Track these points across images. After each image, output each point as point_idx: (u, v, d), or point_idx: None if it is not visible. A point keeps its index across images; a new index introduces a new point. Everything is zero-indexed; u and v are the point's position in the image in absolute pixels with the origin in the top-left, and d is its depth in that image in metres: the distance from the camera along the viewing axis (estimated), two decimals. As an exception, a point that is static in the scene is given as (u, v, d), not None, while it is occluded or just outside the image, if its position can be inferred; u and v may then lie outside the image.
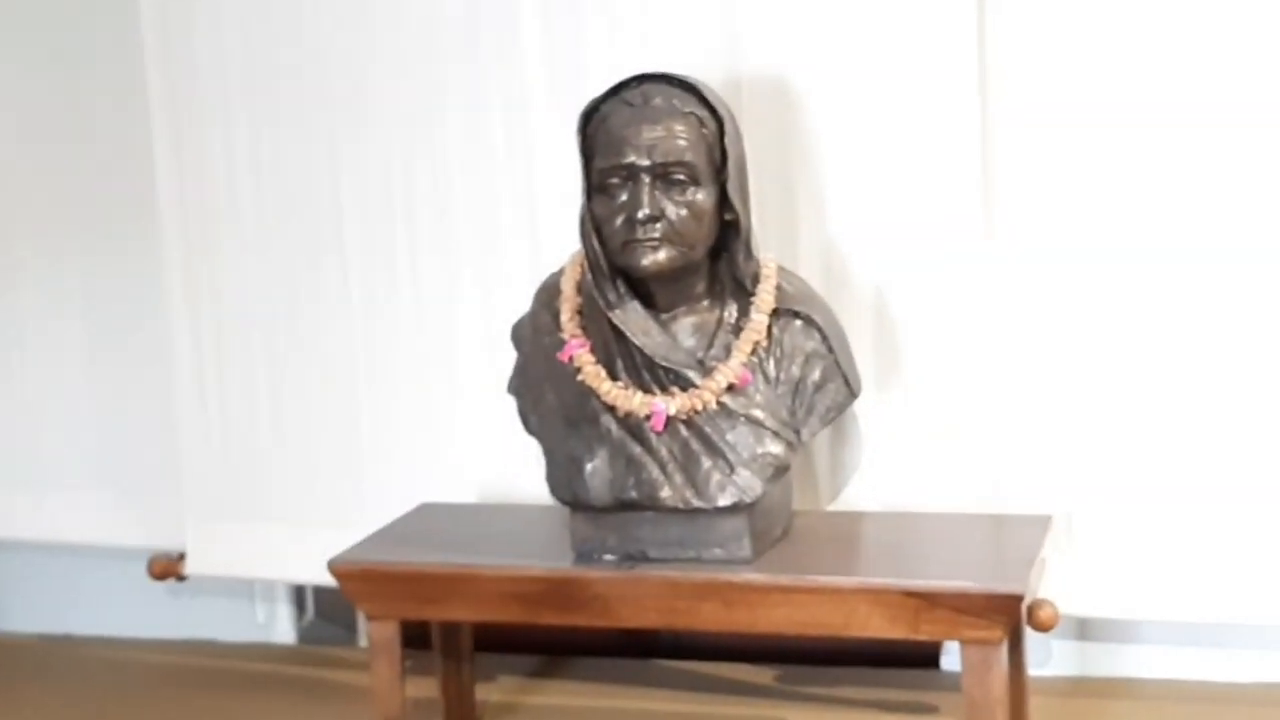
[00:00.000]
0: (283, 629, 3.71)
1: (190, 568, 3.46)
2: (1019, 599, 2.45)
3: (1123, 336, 2.93)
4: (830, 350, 2.69)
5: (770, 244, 2.84)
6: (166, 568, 3.47)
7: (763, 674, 3.27)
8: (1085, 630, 3.12)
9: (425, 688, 2.97)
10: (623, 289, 2.66)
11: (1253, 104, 2.81)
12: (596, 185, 2.63)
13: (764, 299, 2.66)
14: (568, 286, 2.75)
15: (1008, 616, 2.46)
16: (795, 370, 2.67)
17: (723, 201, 2.63)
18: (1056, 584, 2.79)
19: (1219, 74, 2.82)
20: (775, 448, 2.62)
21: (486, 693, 3.21)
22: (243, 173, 3.35)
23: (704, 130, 2.61)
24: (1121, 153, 2.89)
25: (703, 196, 2.60)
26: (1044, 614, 2.70)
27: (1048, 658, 3.11)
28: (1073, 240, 2.94)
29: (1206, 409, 2.90)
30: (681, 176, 2.58)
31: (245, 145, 3.34)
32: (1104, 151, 2.90)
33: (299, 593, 3.71)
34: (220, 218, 3.38)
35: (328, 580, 2.85)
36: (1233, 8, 2.81)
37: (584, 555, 2.67)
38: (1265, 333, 2.86)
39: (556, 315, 2.75)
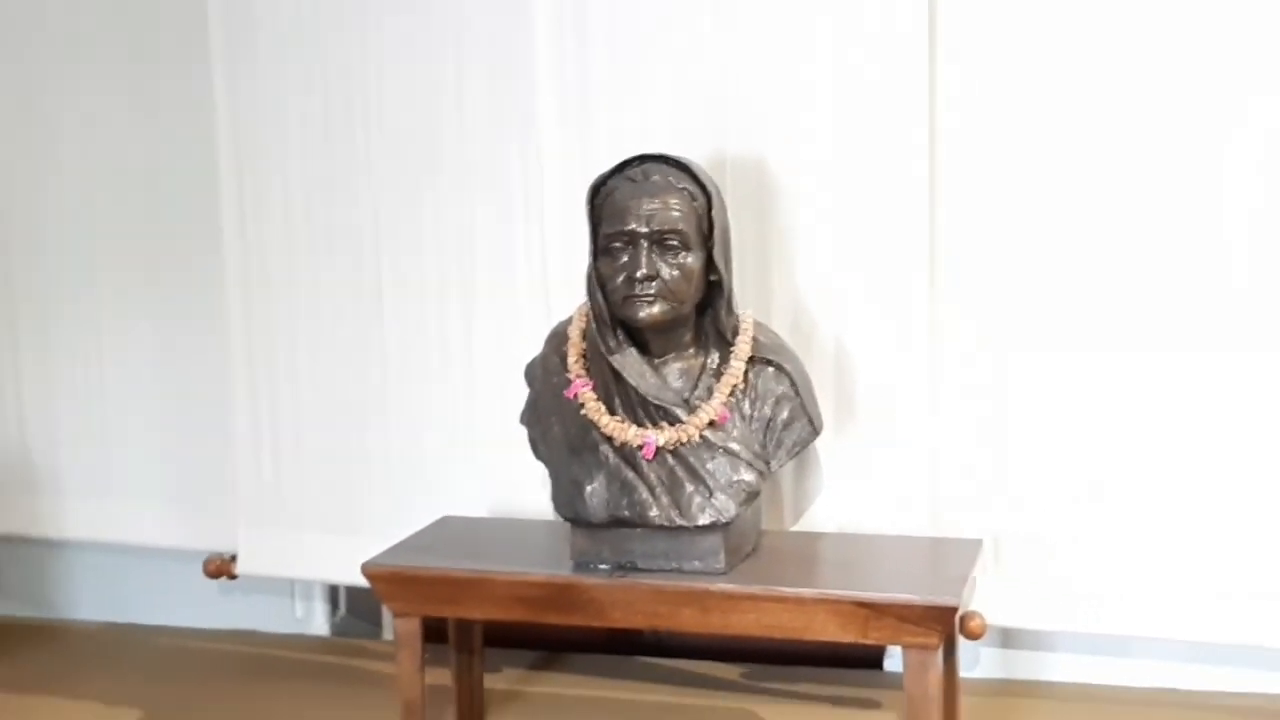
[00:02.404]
0: (318, 623, 3.69)
1: (240, 568, 3.45)
2: (953, 610, 2.47)
3: (1037, 391, 2.95)
4: (797, 394, 2.71)
5: (748, 301, 2.85)
6: (220, 567, 3.48)
7: (731, 671, 3.27)
8: (1008, 639, 3.13)
9: (440, 677, 2.94)
10: (621, 337, 2.67)
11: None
12: (602, 248, 2.64)
13: (742, 348, 2.68)
14: (574, 333, 2.76)
15: (943, 625, 2.48)
16: (767, 410, 2.69)
17: (709, 264, 2.64)
18: (984, 598, 2.80)
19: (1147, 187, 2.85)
20: (748, 476, 2.63)
21: (493, 682, 3.20)
22: (297, 219, 3.34)
23: (694, 203, 2.63)
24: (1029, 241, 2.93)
25: (692, 260, 2.61)
26: (974, 624, 2.72)
27: (976, 662, 3.12)
28: (997, 310, 2.96)
29: (1106, 459, 2.93)
30: (674, 242, 2.59)
31: (300, 194, 3.33)
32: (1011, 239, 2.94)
33: (333, 591, 3.69)
34: (275, 256, 3.37)
35: (359, 581, 2.86)
36: (1169, 113, 2.82)
37: (581, 564, 2.68)
38: (1160, 371, 2.87)
39: (564, 358, 2.76)
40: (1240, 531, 2.86)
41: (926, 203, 2.90)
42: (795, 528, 3.03)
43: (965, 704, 2.83)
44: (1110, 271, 2.89)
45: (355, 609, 3.69)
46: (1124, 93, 2.82)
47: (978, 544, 2.84)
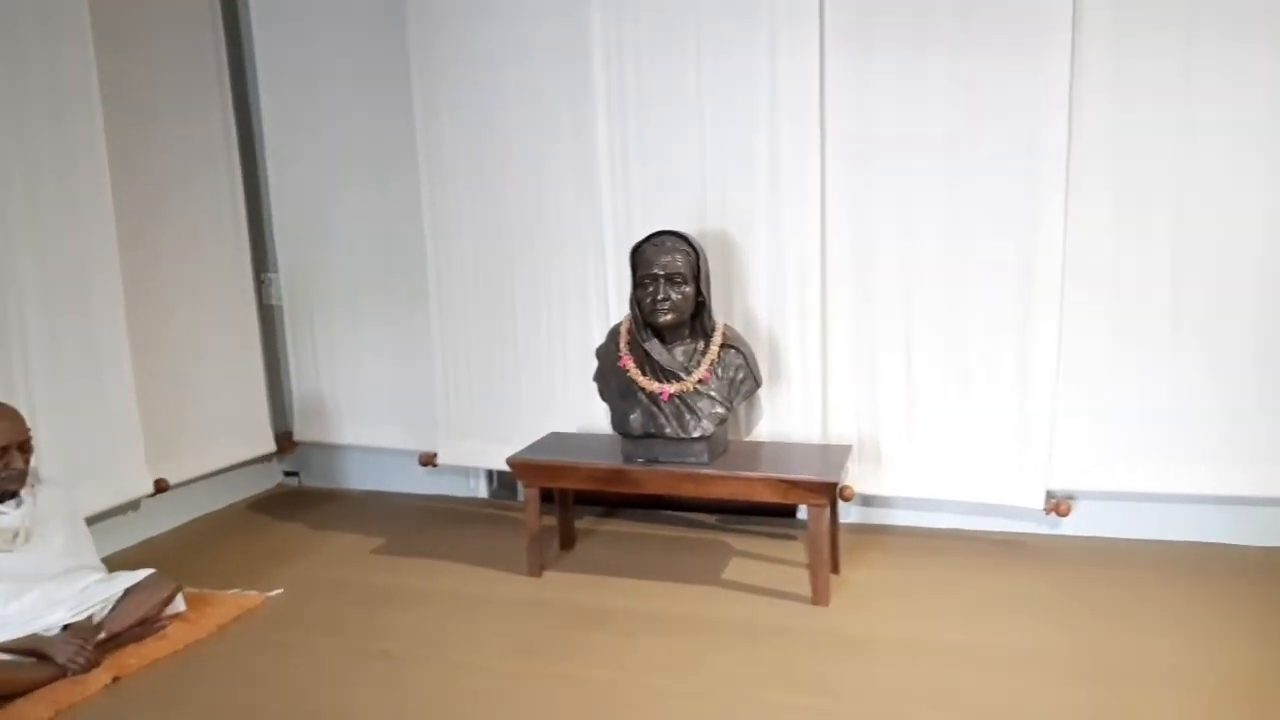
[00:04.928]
0: (481, 491, 3.66)
1: (440, 460, 3.49)
2: (835, 484, 2.56)
3: (883, 357, 2.95)
4: (747, 364, 2.78)
5: (720, 312, 2.91)
6: (427, 459, 3.52)
7: (711, 518, 3.28)
8: (866, 500, 3.12)
9: (549, 521, 2.94)
10: (649, 333, 2.75)
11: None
12: (638, 282, 2.71)
13: (716, 340, 2.75)
14: (623, 330, 2.83)
15: (829, 493, 2.56)
16: (730, 374, 2.75)
17: (698, 291, 2.71)
18: (853, 477, 2.89)
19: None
20: (720, 410, 2.71)
21: (579, 524, 3.22)
22: (467, 261, 3.32)
23: (689, 256, 2.70)
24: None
25: (689, 289, 2.68)
26: (847, 492, 2.82)
27: (848, 513, 3.12)
28: (862, 312, 2.95)
29: (915, 396, 2.94)
30: (679, 279, 2.67)
31: (470, 247, 3.31)
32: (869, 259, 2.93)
33: (490, 473, 3.64)
34: (454, 281, 3.36)
35: (504, 468, 2.91)
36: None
37: (628, 459, 2.73)
38: (975, 312, 2.83)
39: (617, 344, 2.82)
40: (988, 428, 2.87)
41: (819, 256, 2.95)
42: (748, 439, 3.04)
43: (842, 539, 2.86)
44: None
45: (503, 483, 3.65)
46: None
47: (849, 447, 2.90)
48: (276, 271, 3.77)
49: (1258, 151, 2.60)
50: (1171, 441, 2.77)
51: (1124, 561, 2.74)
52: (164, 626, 2.51)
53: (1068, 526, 2.94)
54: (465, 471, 3.63)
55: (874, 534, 3.06)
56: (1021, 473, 2.84)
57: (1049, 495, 2.85)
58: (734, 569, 2.81)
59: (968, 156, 2.77)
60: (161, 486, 3.25)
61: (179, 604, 2.57)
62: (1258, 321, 2.66)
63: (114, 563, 2.72)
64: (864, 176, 2.89)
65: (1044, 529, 2.97)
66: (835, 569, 2.71)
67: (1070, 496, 2.91)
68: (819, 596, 2.53)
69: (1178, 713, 1.94)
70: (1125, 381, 2.79)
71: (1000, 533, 3.00)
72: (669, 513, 3.33)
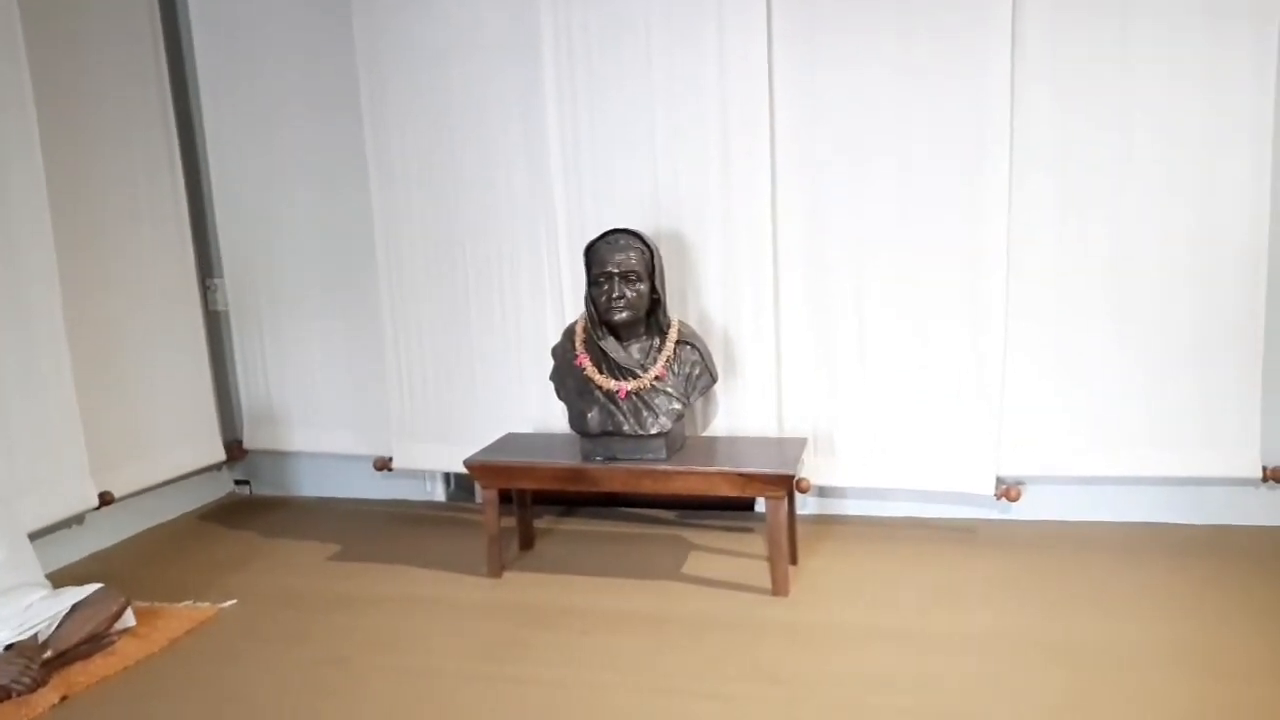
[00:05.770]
0: (439, 494, 3.61)
1: (395, 464, 3.44)
2: (791, 477, 2.56)
3: (835, 353, 2.98)
4: (703, 360, 2.78)
5: (675, 308, 2.92)
6: (383, 464, 3.48)
7: (670, 514, 3.28)
8: (822, 491, 3.13)
9: (508, 522, 2.92)
10: (604, 331, 2.73)
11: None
12: (592, 280, 2.70)
13: (672, 336, 2.74)
14: (578, 329, 2.81)
15: (786, 485, 2.56)
16: (686, 369, 2.74)
17: (653, 289, 2.70)
18: (809, 469, 2.87)
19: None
20: (677, 405, 2.71)
21: (538, 524, 3.20)
22: (418, 255, 3.27)
23: (644, 255, 2.69)
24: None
25: (643, 286, 2.67)
26: (803, 484, 2.78)
27: (805, 505, 3.14)
28: (815, 306, 2.98)
29: (862, 393, 2.96)
30: (633, 277, 2.66)
31: (420, 242, 3.26)
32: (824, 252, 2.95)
33: (447, 476, 3.59)
34: (406, 277, 3.30)
35: (461, 470, 2.86)
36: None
37: (587, 457, 2.72)
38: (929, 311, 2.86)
39: (573, 342, 2.80)
40: (939, 417, 2.90)
41: (771, 253, 2.96)
42: (705, 434, 3.04)
43: (801, 529, 2.89)
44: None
45: (460, 485, 3.62)
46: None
47: (804, 440, 2.91)
48: (222, 276, 3.68)
49: (1196, 139, 2.66)
50: (1116, 426, 2.83)
51: (1074, 544, 2.79)
52: (113, 642, 2.43)
53: (1018, 511, 2.99)
54: (421, 475, 3.59)
55: (830, 524, 3.08)
56: (972, 460, 2.88)
57: (999, 481, 2.90)
58: (693, 563, 2.81)
59: (916, 151, 2.80)
60: (107, 499, 3.15)
61: (128, 618, 2.50)
62: (1197, 307, 2.73)
63: (59, 578, 2.64)
64: (815, 170, 2.90)
65: (996, 514, 3.02)
66: (794, 560, 2.73)
67: (1020, 482, 2.96)
68: (779, 587, 2.54)
69: (1133, 691, 1.98)
70: (1070, 368, 2.85)
71: (954, 519, 3.05)
72: (628, 510, 3.32)
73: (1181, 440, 2.78)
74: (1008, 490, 2.90)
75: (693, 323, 2.95)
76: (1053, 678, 2.04)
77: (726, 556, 2.85)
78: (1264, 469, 2.76)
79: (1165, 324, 2.74)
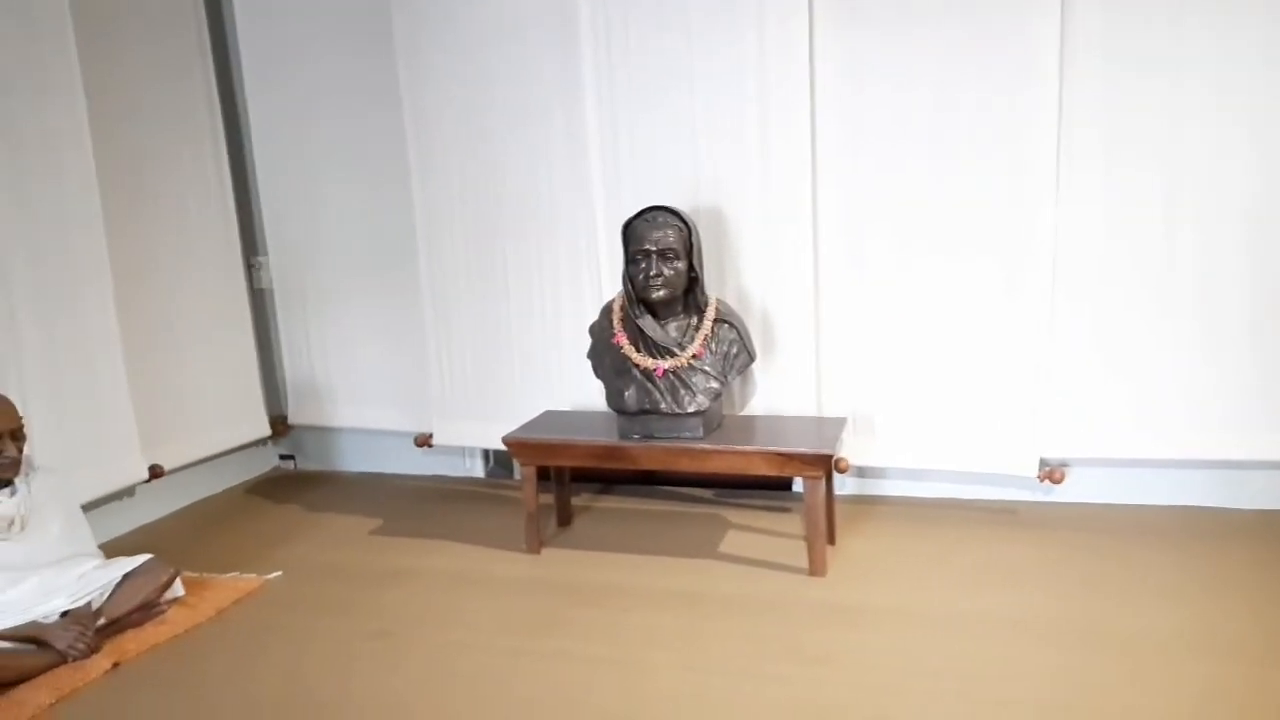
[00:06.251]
0: (478, 470, 3.64)
1: (436, 440, 3.45)
2: (829, 457, 2.53)
3: (877, 334, 2.94)
4: (740, 339, 2.76)
5: (712, 287, 2.89)
6: (424, 440, 3.49)
7: (708, 493, 3.27)
8: (861, 472, 3.13)
9: (546, 499, 2.94)
10: (642, 309, 2.72)
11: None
12: (630, 258, 2.69)
13: (709, 314, 2.73)
14: (616, 307, 2.81)
15: (824, 465, 2.53)
16: (724, 348, 2.73)
17: (690, 266, 2.68)
18: (848, 449, 2.87)
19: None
20: (715, 384, 2.70)
21: (576, 501, 3.21)
22: (459, 245, 3.28)
23: (681, 232, 2.67)
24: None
25: (681, 264, 2.66)
26: (842, 464, 2.81)
27: (843, 485, 3.14)
28: (854, 292, 2.93)
29: (903, 373, 2.92)
30: (670, 255, 2.64)
31: (461, 234, 3.27)
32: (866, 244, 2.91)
33: (486, 453, 3.63)
34: (447, 255, 3.30)
35: (500, 447, 2.88)
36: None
37: (624, 435, 2.72)
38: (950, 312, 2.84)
39: (610, 320, 2.80)
40: (981, 397, 2.85)
41: (811, 230, 2.92)
42: (743, 413, 3.02)
43: (839, 509, 2.87)
44: (914, 268, 2.87)
45: (499, 462, 3.65)
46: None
47: (844, 419, 2.89)
48: (266, 255, 3.73)
49: (1248, 121, 2.56)
50: (1162, 408, 2.75)
51: (1117, 527, 2.74)
52: (163, 611, 2.48)
53: (1061, 493, 2.94)
54: (461, 452, 3.61)
55: (869, 505, 3.06)
56: (1015, 441, 2.83)
57: (1043, 463, 2.85)
58: (731, 542, 2.81)
59: (958, 127, 2.74)
60: (156, 472, 3.23)
61: (177, 589, 2.55)
62: (1249, 287, 2.64)
63: (111, 549, 2.70)
64: (855, 149, 2.86)
65: (1038, 496, 2.97)
66: (831, 540, 2.71)
67: (1064, 464, 2.90)
68: (816, 568, 2.52)
69: (1172, 677, 1.93)
70: (1118, 346, 2.77)
71: (994, 501, 3.01)
72: (665, 488, 3.32)
73: (1235, 422, 2.70)
74: (1051, 472, 2.85)
75: (731, 301, 2.92)
76: (1090, 662, 2.00)
77: (764, 536, 2.84)
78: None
79: (1218, 300, 2.65)
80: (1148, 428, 2.77)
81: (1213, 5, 2.54)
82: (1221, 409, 2.70)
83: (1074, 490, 2.93)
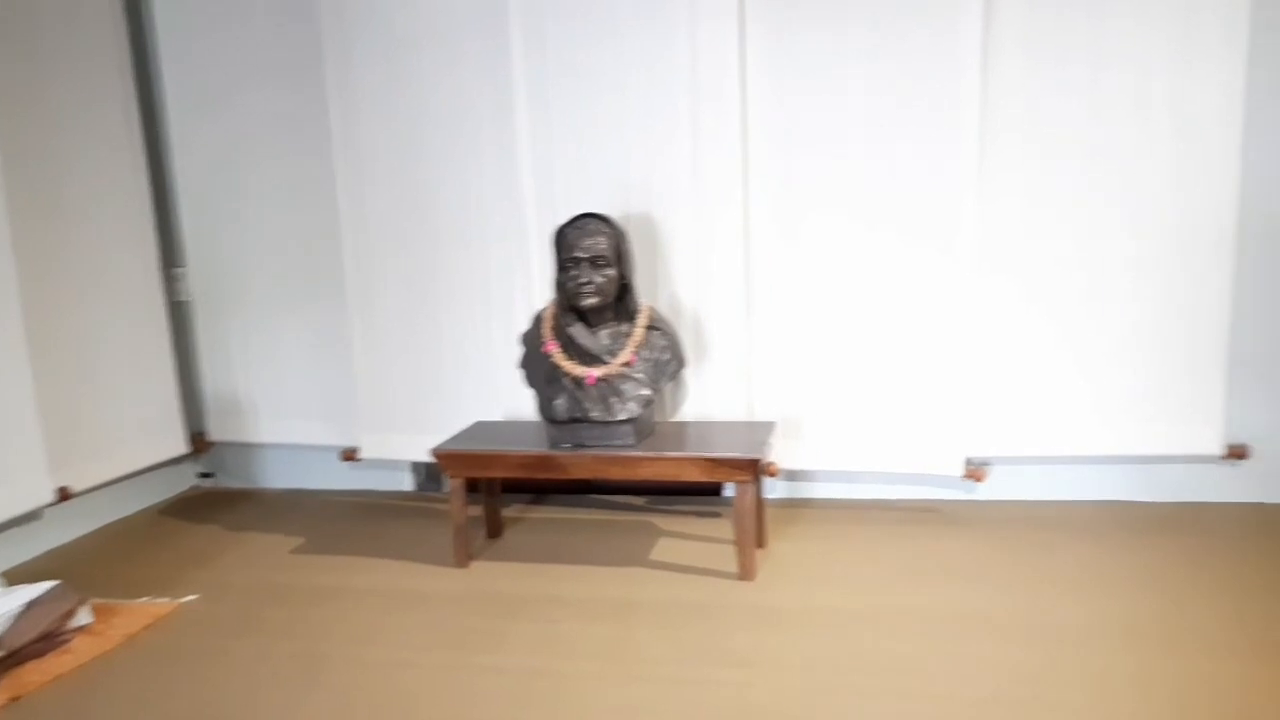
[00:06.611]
0: (407, 484, 3.57)
1: (363, 454, 3.39)
2: (758, 461, 2.52)
3: (804, 341, 2.96)
4: (672, 346, 2.76)
5: (645, 294, 2.89)
6: (349, 454, 3.43)
7: (640, 500, 3.26)
8: (791, 475, 3.13)
9: (475, 511, 2.94)
10: (573, 317, 2.69)
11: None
12: (560, 266, 2.66)
13: (641, 321, 2.72)
14: (547, 315, 2.78)
15: (753, 470, 2.53)
16: (656, 355, 2.72)
17: (622, 274, 2.67)
18: (778, 453, 2.88)
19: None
20: (645, 391, 2.69)
21: (509, 512, 3.19)
22: (387, 257, 3.23)
23: (612, 238, 2.65)
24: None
25: (612, 271, 2.64)
26: (771, 468, 2.80)
27: (774, 488, 3.16)
28: (781, 299, 2.96)
29: (826, 379, 2.95)
30: (601, 262, 2.62)
31: (389, 246, 3.22)
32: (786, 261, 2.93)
33: (417, 466, 3.56)
34: (374, 263, 3.24)
35: (430, 460, 2.85)
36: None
37: (555, 445, 2.69)
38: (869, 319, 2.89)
39: (542, 328, 2.77)
40: (908, 400, 2.90)
41: (742, 235, 2.93)
42: (676, 419, 3.02)
43: (769, 513, 2.89)
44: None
45: (430, 475, 3.58)
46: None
47: (773, 423, 2.90)
48: (185, 266, 3.59)
49: (1164, 124, 2.66)
50: (1082, 406, 2.84)
51: (1038, 523, 2.81)
52: (68, 640, 2.35)
53: (984, 492, 3.00)
54: (390, 465, 3.53)
55: (799, 508, 3.08)
56: (941, 441, 2.88)
57: (968, 462, 2.90)
58: (662, 549, 2.79)
59: (887, 134, 2.78)
60: (65, 494, 3.06)
61: (85, 615, 2.42)
62: (1162, 288, 2.74)
63: (16, 576, 2.57)
64: (786, 153, 2.88)
65: (962, 495, 3.03)
66: (762, 544, 2.73)
67: (985, 463, 2.96)
68: (746, 572, 2.52)
69: (1097, 668, 1.98)
70: (1038, 350, 2.85)
71: (921, 500, 3.07)
72: (598, 497, 3.30)
73: (1146, 419, 2.80)
74: (974, 471, 2.89)
75: (663, 307, 2.92)
76: (1014, 656, 2.03)
77: (695, 541, 2.83)
78: (1227, 446, 2.78)
79: (1130, 305, 2.75)
80: (1066, 426, 2.85)
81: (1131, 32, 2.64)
82: (1137, 405, 2.80)
83: (997, 488, 2.99)
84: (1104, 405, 2.82)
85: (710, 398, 3.00)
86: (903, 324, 2.87)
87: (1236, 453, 2.80)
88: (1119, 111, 2.67)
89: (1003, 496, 3.00)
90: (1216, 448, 2.78)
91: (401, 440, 3.31)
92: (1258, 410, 2.78)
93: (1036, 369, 2.84)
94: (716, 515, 3.05)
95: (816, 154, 2.85)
